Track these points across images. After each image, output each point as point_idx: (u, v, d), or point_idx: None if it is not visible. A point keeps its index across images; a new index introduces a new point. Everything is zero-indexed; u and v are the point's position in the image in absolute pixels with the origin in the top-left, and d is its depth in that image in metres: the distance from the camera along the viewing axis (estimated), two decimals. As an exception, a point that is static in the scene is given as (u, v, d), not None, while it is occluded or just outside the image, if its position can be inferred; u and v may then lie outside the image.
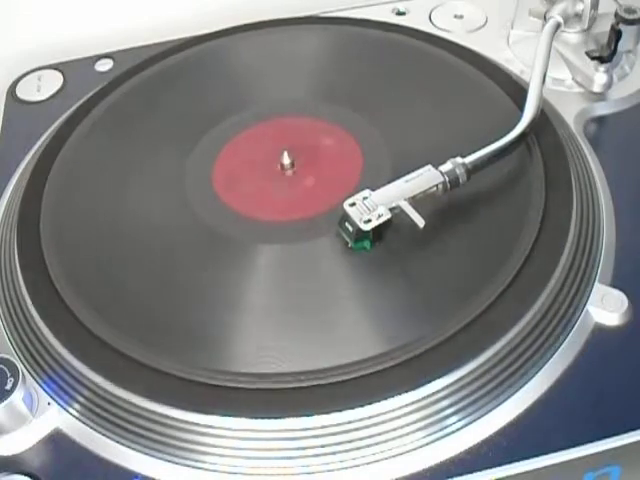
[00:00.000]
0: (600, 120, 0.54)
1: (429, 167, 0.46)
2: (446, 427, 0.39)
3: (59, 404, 0.41)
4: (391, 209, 0.44)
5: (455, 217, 0.47)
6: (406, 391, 0.38)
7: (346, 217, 0.44)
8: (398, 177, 0.45)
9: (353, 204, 0.44)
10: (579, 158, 0.50)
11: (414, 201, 0.44)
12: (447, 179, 0.45)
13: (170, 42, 0.62)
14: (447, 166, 0.45)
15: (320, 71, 0.59)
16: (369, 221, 0.44)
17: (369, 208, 0.44)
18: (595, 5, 0.55)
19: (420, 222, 0.43)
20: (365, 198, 0.44)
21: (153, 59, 0.60)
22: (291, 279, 0.45)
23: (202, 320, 0.43)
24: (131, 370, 0.41)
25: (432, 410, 0.39)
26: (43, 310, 0.44)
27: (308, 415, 0.38)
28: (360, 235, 0.44)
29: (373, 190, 0.45)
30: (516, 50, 0.59)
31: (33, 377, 0.42)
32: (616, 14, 0.52)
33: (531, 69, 0.51)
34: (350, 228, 0.44)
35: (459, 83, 0.55)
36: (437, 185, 0.45)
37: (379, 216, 0.44)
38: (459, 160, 0.46)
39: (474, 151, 0.46)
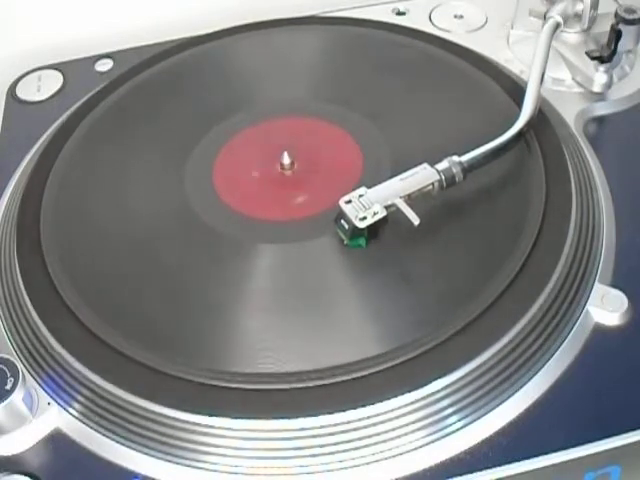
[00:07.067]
0: (600, 120, 0.54)
1: (425, 165, 0.46)
2: (446, 427, 0.39)
3: (59, 404, 0.41)
4: (386, 207, 0.44)
5: (455, 216, 0.47)
6: (406, 391, 0.38)
7: (342, 214, 0.44)
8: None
9: (349, 201, 0.44)
10: (579, 158, 0.50)
11: (410, 199, 0.44)
12: (443, 177, 0.45)
13: (170, 42, 0.62)
14: (443, 164, 0.46)
15: (320, 71, 0.59)
16: (364, 219, 0.44)
17: (365, 206, 0.44)
18: (595, 5, 0.55)
19: (415, 220, 0.43)
20: (361, 196, 0.44)
21: (153, 59, 0.60)
22: (291, 279, 0.45)
23: (202, 320, 0.43)
24: (131, 370, 0.41)
25: (432, 410, 0.39)
26: (43, 310, 0.44)
27: (308, 415, 0.38)
28: (356, 233, 0.44)
29: (369, 188, 0.45)
30: (516, 50, 0.59)
31: (33, 377, 0.42)
32: (616, 14, 0.52)
33: (530, 68, 0.51)
34: (346, 225, 0.44)
35: (459, 83, 0.55)
36: (433, 183, 0.45)
37: (374, 214, 0.44)
38: (455, 159, 0.46)
39: (471, 150, 0.46)
